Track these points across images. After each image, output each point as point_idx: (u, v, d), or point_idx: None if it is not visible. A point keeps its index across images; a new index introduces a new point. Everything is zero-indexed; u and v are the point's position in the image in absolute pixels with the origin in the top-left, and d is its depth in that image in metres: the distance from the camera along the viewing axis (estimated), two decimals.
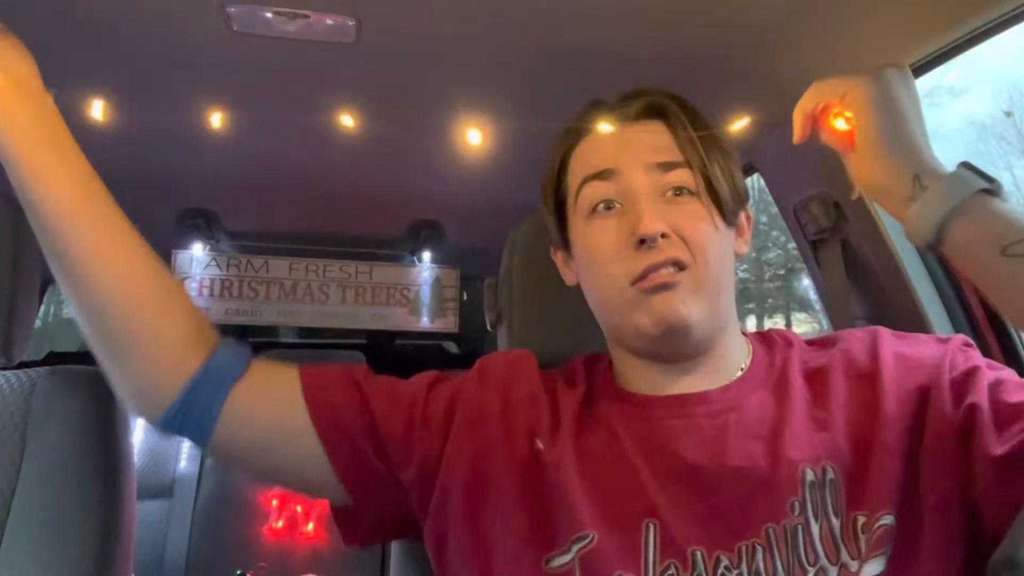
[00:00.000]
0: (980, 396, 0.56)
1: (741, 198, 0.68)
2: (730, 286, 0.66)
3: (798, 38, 0.95)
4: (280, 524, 1.90)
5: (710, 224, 0.63)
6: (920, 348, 0.64)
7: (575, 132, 0.70)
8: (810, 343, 0.71)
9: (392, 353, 2.50)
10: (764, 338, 0.71)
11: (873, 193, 0.65)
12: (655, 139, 0.66)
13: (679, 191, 0.64)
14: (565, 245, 0.72)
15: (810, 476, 0.58)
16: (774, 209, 1.21)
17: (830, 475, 0.58)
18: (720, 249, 0.64)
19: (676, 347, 0.64)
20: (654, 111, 0.68)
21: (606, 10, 0.94)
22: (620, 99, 0.70)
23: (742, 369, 0.67)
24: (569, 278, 0.74)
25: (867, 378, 0.62)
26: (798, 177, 1.11)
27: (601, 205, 0.65)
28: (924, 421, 0.58)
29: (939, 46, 0.85)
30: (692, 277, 0.61)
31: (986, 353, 0.99)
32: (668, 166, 0.64)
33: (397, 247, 2.18)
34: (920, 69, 0.91)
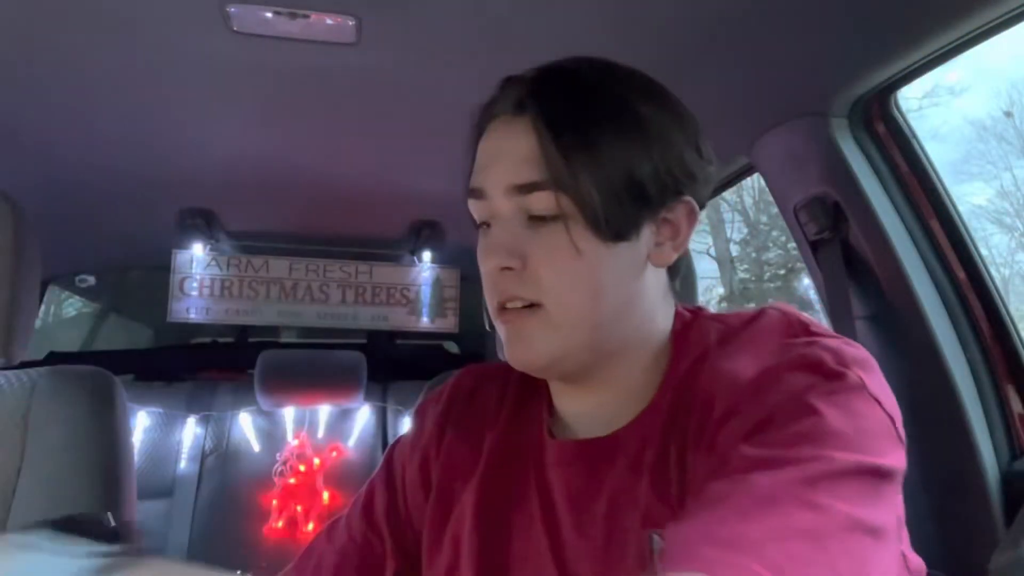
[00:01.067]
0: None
1: (648, 198, 0.55)
2: (619, 311, 0.56)
3: (797, 36, 0.95)
4: (280, 524, 1.90)
5: (575, 252, 0.54)
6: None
7: (481, 119, 0.61)
8: (725, 340, 0.57)
9: (392, 353, 2.50)
10: (681, 336, 0.60)
11: None
12: (520, 147, 0.55)
13: (539, 216, 0.55)
14: None
15: (660, 544, 0.51)
16: (774, 209, 1.21)
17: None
18: (590, 277, 0.54)
19: (560, 379, 0.60)
20: (523, 105, 0.56)
21: (606, 10, 0.94)
22: (512, 82, 0.59)
23: (650, 399, 0.58)
24: None
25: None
26: (798, 177, 1.11)
27: (483, 225, 0.59)
28: None
29: (939, 46, 0.85)
30: (544, 315, 0.55)
31: (986, 353, 1.01)
32: (527, 188, 0.54)
33: (397, 247, 2.18)
34: (920, 69, 0.91)
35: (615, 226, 0.54)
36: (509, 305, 0.56)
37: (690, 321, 0.61)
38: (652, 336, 0.59)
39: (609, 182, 0.53)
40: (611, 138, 0.54)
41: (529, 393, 0.66)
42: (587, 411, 0.61)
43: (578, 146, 0.54)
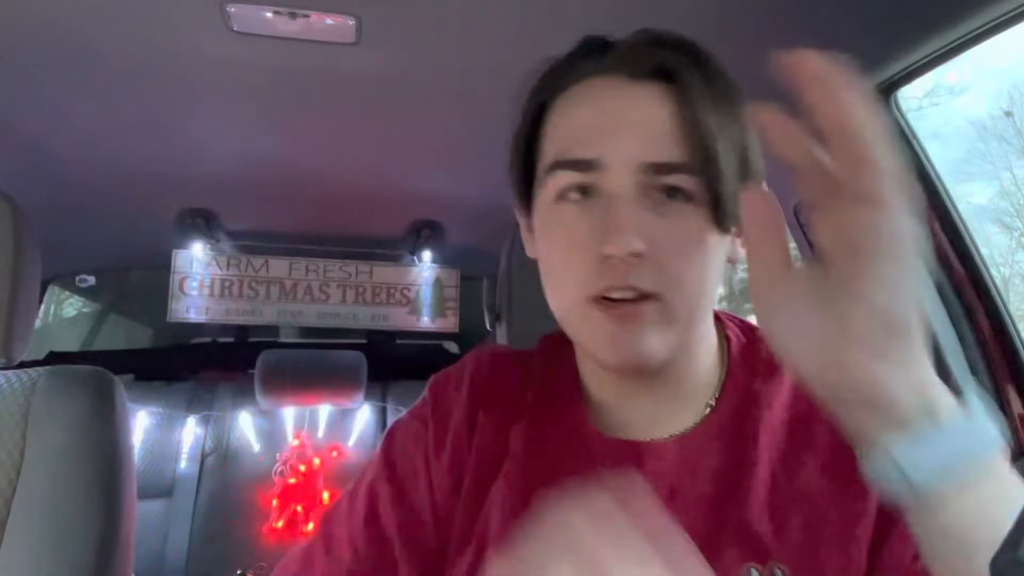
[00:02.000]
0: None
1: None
2: (710, 304, 0.54)
3: (796, 36, 0.95)
4: (280, 524, 1.90)
5: (699, 240, 0.50)
6: None
7: (561, 74, 0.55)
8: None
9: (392, 353, 2.50)
10: (749, 348, 0.58)
11: (846, 388, 0.35)
12: (655, 119, 0.50)
13: (672, 193, 0.49)
14: (528, 213, 0.57)
15: None
16: None
17: None
18: (705, 268, 0.51)
19: (631, 374, 0.54)
20: (664, 72, 0.51)
21: (606, 9, 0.94)
22: (626, 43, 0.54)
23: (711, 405, 0.55)
24: (530, 249, 0.60)
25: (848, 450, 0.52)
26: None
27: (573, 193, 0.51)
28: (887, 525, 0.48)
29: (939, 46, 0.85)
30: (662, 308, 0.49)
31: (986, 353, 1.01)
32: (666, 168, 0.49)
33: (397, 247, 2.18)
34: (920, 69, 0.91)
35: (731, 217, 0.50)
36: (617, 295, 0.49)
37: (750, 335, 0.59)
38: (712, 335, 0.57)
39: (732, 170, 0.50)
40: (735, 122, 0.51)
41: (556, 383, 0.60)
42: (642, 412, 0.55)
43: (718, 128, 0.49)
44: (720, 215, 0.50)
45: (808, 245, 1.13)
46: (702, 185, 0.49)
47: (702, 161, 0.49)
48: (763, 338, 0.57)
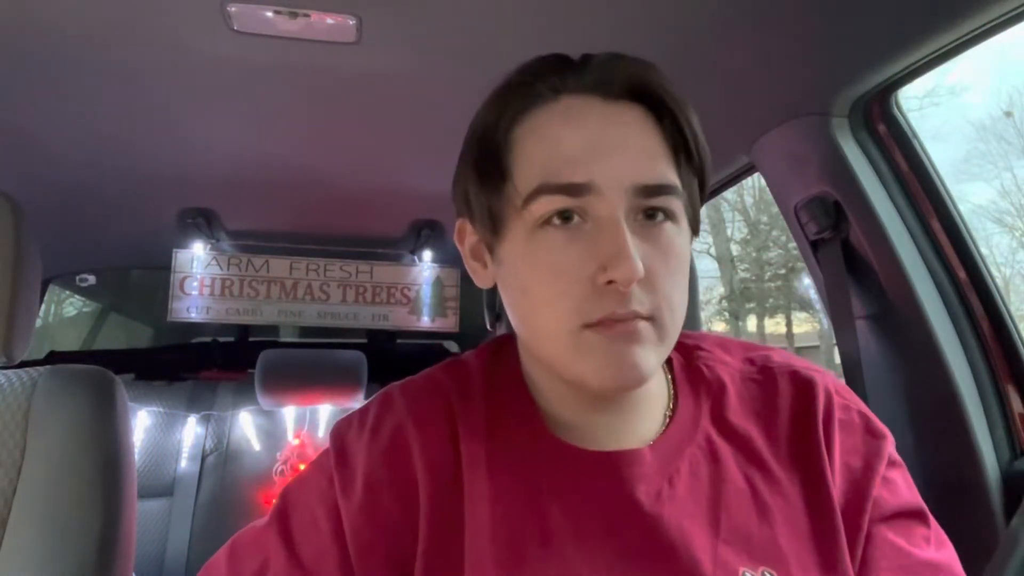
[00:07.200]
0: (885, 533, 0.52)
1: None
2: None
3: (797, 36, 0.95)
4: None
5: (682, 258, 0.50)
6: (855, 436, 0.56)
7: (525, 93, 0.52)
8: (747, 370, 0.60)
9: (392, 353, 2.50)
10: (688, 365, 0.60)
11: None
12: (641, 139, 0.49)
13: (653, 214, 0.49)
14: (492, 237, 0.53)
15: None
16: (774, 209, 1.21)
17: None
18: (687, 284, 0.52)
19: (618, 396, 0.54)
20: (639, 93, 0.50)
21: (606, 9, 0.94)
22: (591, 64, 0.52)
23: (668, 415, 0.56)
24: (482, 278, 0.58)
25: (812, 457, 0.54)
26: (798, 177, 1.11)
27: (556, 218, 0.48)
28: (859, 526, 0.52)
29: (939, 46, 0.85)
30: (655, 327, 0.49)
31: (987, 353, 1.01)
32: (655, 190, 0.48)
33: (397, 247, 2.18)
34: (920, 69, 0.91)
35: (697, 227, 0.55)
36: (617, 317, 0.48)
37: (685, 352, 0.63)
38: None
39: (701, 184, 0.54)
40: (699, 137, 0.52)
41: (505, 401, 0.57)
42: (605, 428, 0.55)
43: (693, 146, 0.51)
44: (693, 229, 0.53)
45: (808, 245, 1.13)
46: (686, 205, 0.51)
47: (687, 178, 0.51)
48: (697, 352, 0.60)
